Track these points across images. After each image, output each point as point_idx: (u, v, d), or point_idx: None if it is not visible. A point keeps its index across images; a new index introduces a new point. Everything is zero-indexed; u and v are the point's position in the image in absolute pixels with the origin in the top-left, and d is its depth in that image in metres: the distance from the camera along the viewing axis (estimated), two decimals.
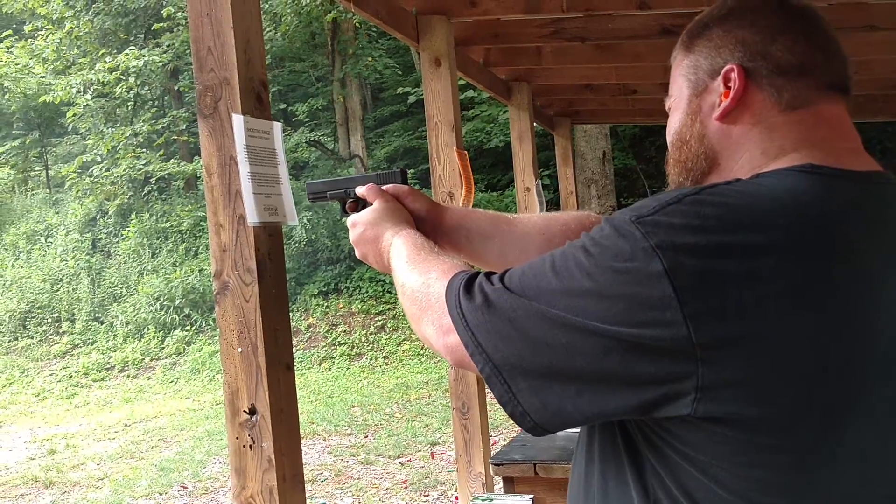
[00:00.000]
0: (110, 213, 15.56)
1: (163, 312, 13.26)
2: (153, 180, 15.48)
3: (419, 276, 0.98)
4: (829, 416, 0.76)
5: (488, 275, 0.87)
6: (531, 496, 2.51)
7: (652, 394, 0.76)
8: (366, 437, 7.51)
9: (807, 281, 0.75)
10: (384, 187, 1.29)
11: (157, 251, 14.87)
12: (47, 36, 15.67)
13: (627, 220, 0.77)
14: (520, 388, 0.81)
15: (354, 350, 11.61)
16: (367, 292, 12.51)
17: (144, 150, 15.44)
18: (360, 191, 1.29)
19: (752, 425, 0.75)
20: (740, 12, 0.93)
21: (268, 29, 14.09)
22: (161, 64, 14.76)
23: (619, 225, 0.78)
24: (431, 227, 1.27)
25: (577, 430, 0.95)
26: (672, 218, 0.76)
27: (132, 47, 14.85)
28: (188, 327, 13.03)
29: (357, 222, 1.24)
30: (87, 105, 15.33)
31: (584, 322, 0.76)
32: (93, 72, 14.68)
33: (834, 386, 0.76)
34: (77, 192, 16.07)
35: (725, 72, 0.91)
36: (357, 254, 1.25)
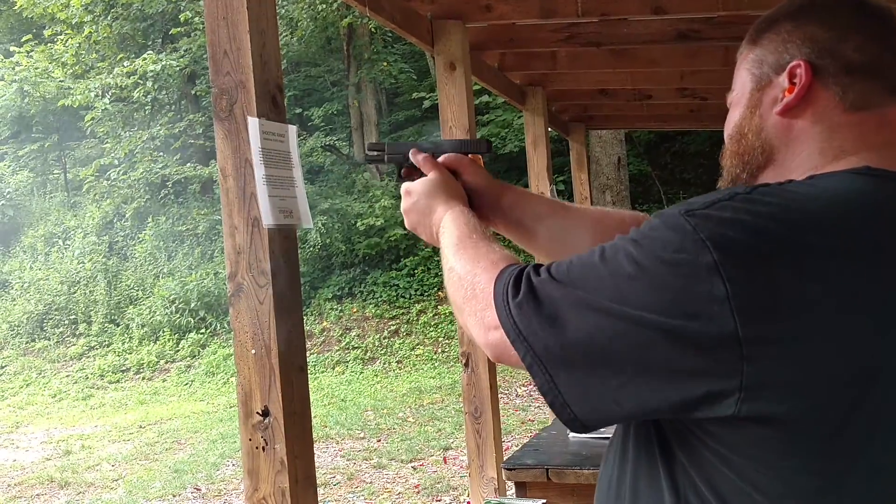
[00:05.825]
0: (127, 216, 15.67)
1: (178, 315, 13.33)
2: (170, 184, 15.57)
3: (467, 264, 0.96)
4: (874, 422, 0.75)
5: (536, 266, 0.86)
6: (543, 501, 2.50)
7: (694, 391, 0.74)
8: (378, 441, 7.51)
9: (857, 283, 0.74)
10: (442, 158, 1.25)
11: (173, 254, 14.96)
12: (66, 40, 15.82)
13: (677, 213, 0.77)
14: (561, 378, 0.79)
15: (368, 354, 11.62)
16: (380, 297, 12.52)
17: (161, 153, 15.54)
18: (417, 160, 1.25)
19: (794, 428, 0.74)
20: (812, 9, 0.91)
21: (284, 34, 14.17)
22: (178, 68, 14.87)
23: (668, 218, 0.77)
24: (487, 203, 1.26)
25: (596, 435, 0.93)
26: (723, 213, 0.75)
27: (150, 52, 14.96)
28: (203, 330, 13.09)
29: (411, 191, 1.21)
30: (106, 109, 15.45)
31: (630, 311, 0.75)
32: (111, 76, 14.81)
33: (880, 392, 0.75)
34: (95, 196, 16.20)
35: (791, 67, 0.89)
36: (406, 223, 1.23)
